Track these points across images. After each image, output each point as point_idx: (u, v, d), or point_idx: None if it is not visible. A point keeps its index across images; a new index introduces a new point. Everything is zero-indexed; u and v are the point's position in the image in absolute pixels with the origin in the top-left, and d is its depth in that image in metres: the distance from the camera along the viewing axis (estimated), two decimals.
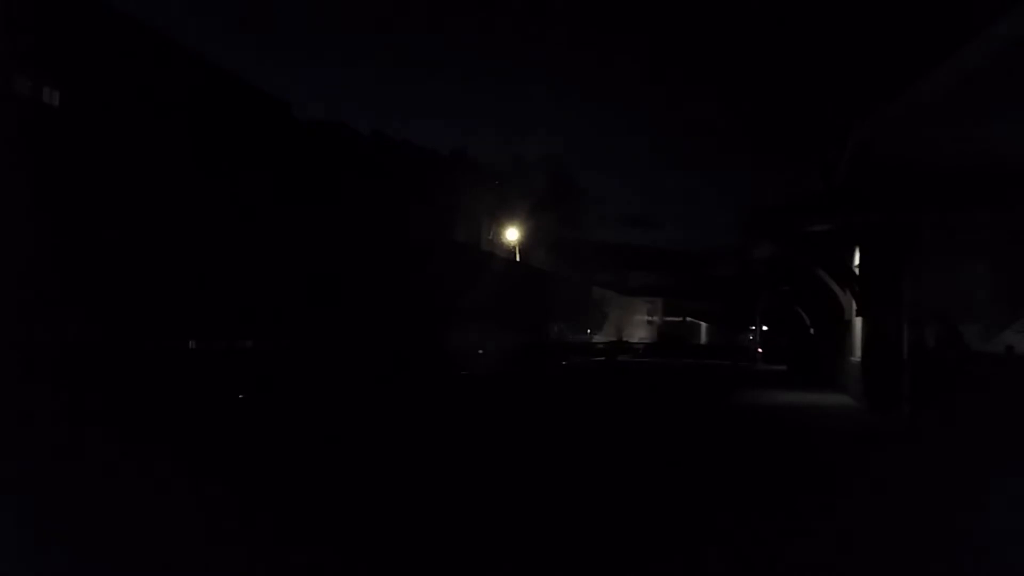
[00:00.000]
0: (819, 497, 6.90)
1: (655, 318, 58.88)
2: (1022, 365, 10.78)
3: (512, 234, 39.87)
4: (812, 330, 27.24)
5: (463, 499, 6.42)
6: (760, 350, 39.56)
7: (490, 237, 40.34)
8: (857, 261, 15.56)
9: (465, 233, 34.42)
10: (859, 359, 15.38)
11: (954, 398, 10.61)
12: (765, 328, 41.57)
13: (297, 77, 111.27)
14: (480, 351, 23.61)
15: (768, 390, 20.06)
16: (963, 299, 12.14)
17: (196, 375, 13.06)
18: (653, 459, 8.89)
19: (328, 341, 17.38)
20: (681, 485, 7.27)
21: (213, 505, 5.92)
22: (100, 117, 13.54)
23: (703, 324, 65.03)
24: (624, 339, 48.36)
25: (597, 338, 45.32)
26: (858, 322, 15.55)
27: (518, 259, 36.96)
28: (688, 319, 62.53)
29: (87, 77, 13.66)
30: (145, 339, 12.85)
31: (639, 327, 57.13)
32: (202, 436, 9.60)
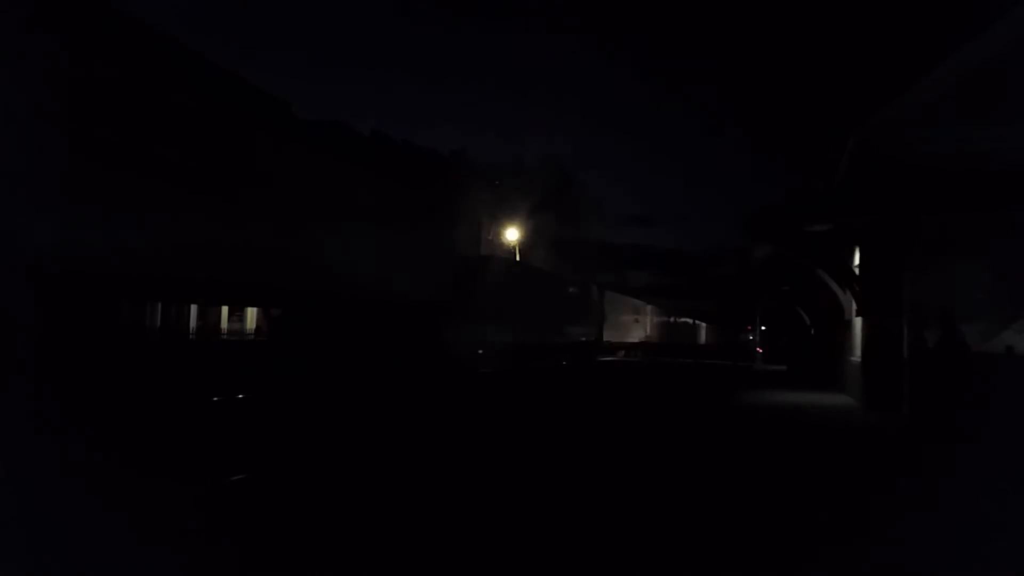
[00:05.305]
0: (818, 498, 6.89)
1: (655, 318, 58.84)
2: (1022, 365, 10.76)
3: (512, 234, 39.87)
4: (812, 330, 27.22)
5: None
6: (760, 350, 39.59)
7: (490, 237, 40.36)
8: (857, 261, 15.55)
9: (465, 233, 34.43)
10: (859, 359, 15.36)
11: (954, 398, 10.58)
12: (765, 328, 41.59)
13: (298, 78, 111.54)
14: (480, 351, 23.57)
15: (768, 390, 20.05)
16: (963, 299, 12.11)
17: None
18: (652, 459, 8.87)
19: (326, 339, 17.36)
20: (681, 486, 7.26)
21: None
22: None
23: (703, 324, 65.01)
24: (623, 339, 48.31)
25: (596, 338, 45.30)
26: (858, 322, 15.54)
27: (518, 259, 36.98)
28: (688, 319, 62.52)
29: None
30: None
31: (638, 327, 57.10)
32: None
